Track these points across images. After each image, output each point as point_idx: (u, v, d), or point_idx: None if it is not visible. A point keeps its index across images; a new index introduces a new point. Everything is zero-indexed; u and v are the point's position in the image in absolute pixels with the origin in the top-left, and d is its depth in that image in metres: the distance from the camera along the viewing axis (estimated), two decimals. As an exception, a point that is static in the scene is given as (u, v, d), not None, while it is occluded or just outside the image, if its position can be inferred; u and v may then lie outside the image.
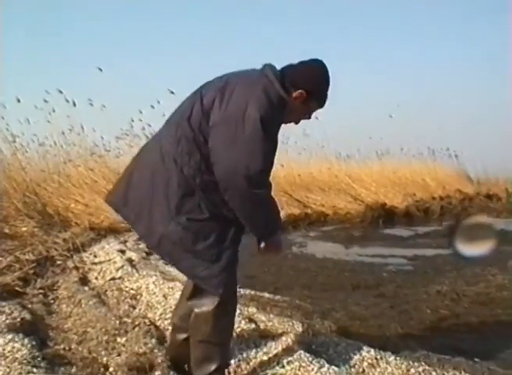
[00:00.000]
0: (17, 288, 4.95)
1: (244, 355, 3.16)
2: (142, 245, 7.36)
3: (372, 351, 3.25)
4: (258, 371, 2.96)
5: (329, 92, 2.80)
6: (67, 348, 3.44)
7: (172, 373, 2.89)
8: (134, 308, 4.48)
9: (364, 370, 3.07)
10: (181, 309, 2.92)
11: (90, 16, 37.22)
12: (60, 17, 35.86)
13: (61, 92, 10.84)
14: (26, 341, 3.24)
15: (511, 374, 3.18)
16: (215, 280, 2.53)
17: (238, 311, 3.78)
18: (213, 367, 2.65)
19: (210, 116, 2.50)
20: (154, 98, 12.28)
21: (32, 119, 11.20)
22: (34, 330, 3.71)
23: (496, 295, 5.31)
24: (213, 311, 2.59)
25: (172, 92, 11.97)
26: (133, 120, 12.57)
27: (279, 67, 2.70)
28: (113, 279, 5.46)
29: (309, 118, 2.87)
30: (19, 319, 3.77)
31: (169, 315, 3.80)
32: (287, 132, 15.77)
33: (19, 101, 10.45)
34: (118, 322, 3.79)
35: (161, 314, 4.06)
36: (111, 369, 2.96)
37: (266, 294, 5.17)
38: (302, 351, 3.05)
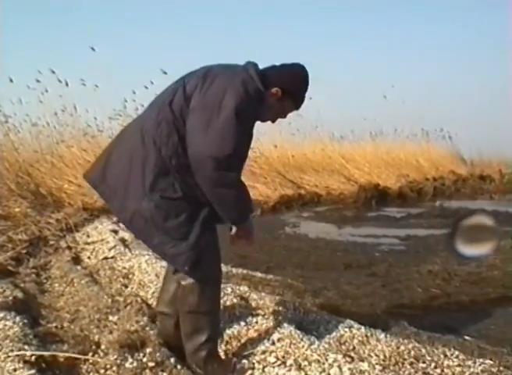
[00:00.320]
0: (10, 268, 4.95)
1: (235, 332, 3.17)
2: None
3: (363, 328, 3.26)
4: (249, 348, 2.96)
5: (307, 94, 2.92)
6: (59, 326, 3.45)
7: (163, 349, 2.90)
8: (126, 286, 4.49)
9: (354, 347, 3.08)
10: (166, 293, 2.97)
11: (82, -5, 36.97)
12: (52, -3, 35.60)
13: (53, 72, 10.81)
14: (17, 319, 3.24)
15: (500, 351, 3.20)
16: (182, 258, 2.58)
17: (230, 289, 3.82)
18: (203, 338, 2.69)
19: (190, 101, 2.59)
20: (147, 79, 12.25)
21: (24, 100, 11.17)
22: (26, 308, 3.72)
23: (486, 275, 5.34)
24: (198, 281, 2.64)
25: (165, 72, 11.95)
26: (126, 101, 12.52)
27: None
28: (106, 258, 5.47)
29: (284, 117, 2.98)
30: (11, 298, 3.77)
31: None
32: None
33: (11, 81, 10.40)
34: (110, 300, 3.80)
35: (153, 292, 4.06)
36: (102, 347, 2.96)
37: (258, 274, 5.19)
38: (292, 329, 3.06)
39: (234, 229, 2.73)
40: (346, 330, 3.27)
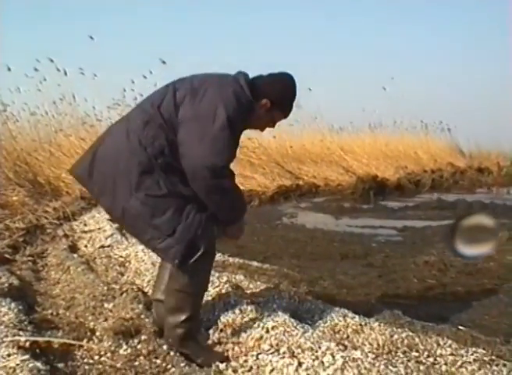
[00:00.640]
0: (6, 255, 4.95)
1: (230, 320, 3.18)
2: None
3: (357, 317, 3.27)
4: (243, 335, 2.98)
5: (294, 103, 3.04)
6: (55, 313, 3.46)
7: (157, 337, 2.92)
8: (122, 275, 4.50)
9: (348, 336, 3.10)
10: (162, 281, 3.04)
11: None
12: (52, -15, 35.44)
13: (52, 61, 10.76)
14: (13, 305, 3.25)
15: (493, 341, 3.21)
16: (172, 251, 2.66)
17: (225, 278, 3.82)
18: (184, 316, 2.79)
19: (179, 109, 2.68)
20: (146, 68, 12.23)
21: (23, 88, 11.13)
22: (22, 295, 3.72)
23: (482, 266, 5.35)
24: (192, 264, 2.69)
25: (164, 62, 11.93)
26: (125, 90, 12.50)
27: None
28: (102, 247, 5.47)
29: (273, 126, 3.10)
30: (6, 285, 3.77)
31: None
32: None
33: (9, 69, 10.36)
34: (106, 288, 3.81)
35: (149, 281, 4.07)
36: (97, 334, 2.97)
37: (255, 263, 5.19)
38: (287, 317, 3.07)
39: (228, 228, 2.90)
40: (341, 318, 3.28)
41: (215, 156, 2.55)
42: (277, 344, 2.80)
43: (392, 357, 2.77)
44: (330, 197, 13.13)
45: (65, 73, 10.96)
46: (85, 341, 2.89)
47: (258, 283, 4.00)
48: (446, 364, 2.73)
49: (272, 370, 2.58)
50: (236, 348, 2.88)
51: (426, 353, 2.85)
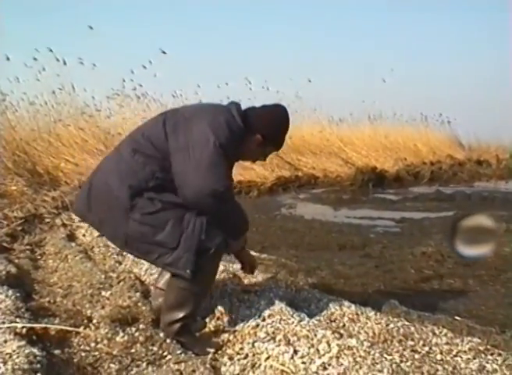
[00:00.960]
0: (4, 244, 4.96)
1: (227, 308, 3.20)
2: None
3: (353, 306, 3.28)
4: (240, 323, 2.99)
5: (287, 136, 3.09)
6: (52, 301, 3.46)
7: (154, 325, 2.94)
8: (120, 263, 4.50)
9: (344, 325, 3.11)
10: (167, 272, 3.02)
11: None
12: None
13: (51, 51, 10.75)
14: (10, 292, 3.25)
15: (489, 330, 3.22)
16: (182, 262, 2.64)
17: (222, 267, 3.82)
18: (182, 314, 2.78)
19: (171, 138, 2.70)
20: (145, 58, 12.24)
21: (22, 78, 11.12)
22: (20, 283, 3.73)
23: (479, 257, 5.35)
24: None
25: (164, 52, 11.94)
26: (124, 80, 12.53)
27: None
28: (101, 236, 5.46)
29: (264, 159, 3.19)
30: (4, 273, 3.78)
31: (155, 270, 3.82)
32: (279, 95, 15.80)
33: (8, 59, 10.34)
34: (103, 276, 3.82)
35: (146, 269, 4.08)
36: (94, 321, 2.98)
37: (252, 253, 5.19)
38: (283, 306, 3.08)
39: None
40: (337, 307, 3.29)
41: (215, 183, 2.58)
42: (273, 332, 2.82)
43: (388, 346, 2.79)
44: (329, 188, 13.14)
45: (65, 63, 10.97)
46: (82, 328, 2.89)
47: (256, 272, 4.00)
48: (441, 353, 2.74)
49: (267, 358, 2.60)
50: (233, 336, 2.90)
51: (421, 342, 2.86)
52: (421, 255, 5.53)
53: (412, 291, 4.44)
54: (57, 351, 2.57)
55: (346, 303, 3.36)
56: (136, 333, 2.83)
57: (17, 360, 2.23)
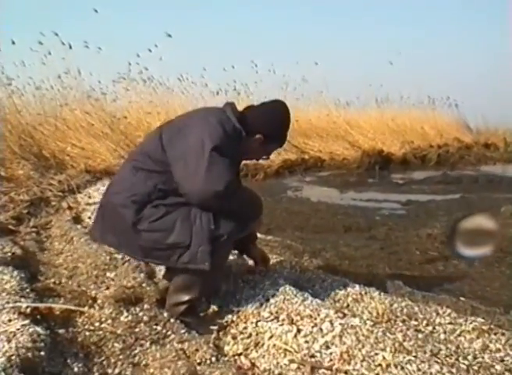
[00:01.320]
0: (10, 227, 4.98)
1: (231, 289, 3.21)
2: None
3: (358, 287, 3.29)
4: (243, 304, 3.00)
5: (289, 132, 3.06)
6: (57, 282, 3.47)
7: (159, 305, 2.95)
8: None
9: (348, 305, 3.12)
10: None
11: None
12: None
13: (56, 34, 10.70)
14: (15, 273, 3.26)
15: (493, 311, 3.23)
16: (199, 256, 2.65)
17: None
18: (188, 297, 2.80)
19: (168, 150, 2.72)
20: (151, 42, 12.20)
21: (27, 62, 11.10)
22: (25, 265, 3.74)
23: (486, 239, 5.33)
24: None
25: (170, 35, 11.89)
26: (130, 64, 12.49)
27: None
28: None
29: (267, 158, 3.18)
30: (9, 254, 3.80)
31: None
32: (286, 78, 15.75)
33: (13, 43, 10.30)
34: (108, 257, 3.82)
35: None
36: (99, 301, 2.98)
37: (258, 235, 5.19)
38: (287, 286, 3.09)
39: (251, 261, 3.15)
40: (341, 288, 3.30)
41: (214, 184, 2.57)
42: (276, 312, 2.83)
43: (391, 325, 2.80)
44: (335, 171, 13.13)
45: (70, 47, 10.91)
46: (86, 308, 2.90)
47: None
48: (444, 332, 2.76)
49: (270, 337, 2.61)
50: (236, 316, 2.90)
51: (425, 322, 2.88)
52: (427, 237, 5.51)
53: (417, 272, 4.44)
54: (61, 331, 2.58)
55: (351, 283, 3.37)
56: (141, 313, 2.83)
57: (21, 338, 2.24)
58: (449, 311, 2.99)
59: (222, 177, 2.59)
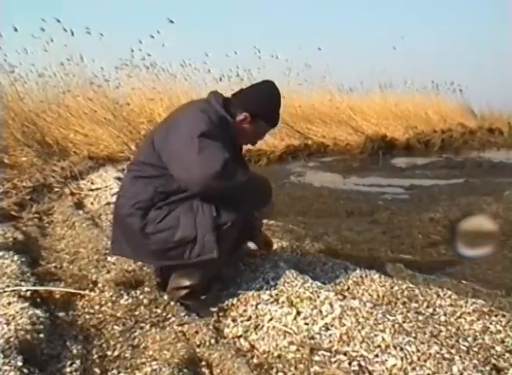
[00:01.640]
0: (13, 212, 4.99)
1: (232, 273, 3.20)
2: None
3: (358, 269, 3.29)
4: (243, 286, 3.00)
5: (280, 111, 3.00)
6: (58, 266, 3.48)
7: (159, 289, 2.95)
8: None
9: (348, 287, 3.12)
10: None
11: None
12: None
13: (58, 21, 10.67)
14: (16, 257, 3.27)
15: (494, 293, 3.23)
16: (207, 246, 2.64)
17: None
18: (188, 283, 2.80)
19: (162, 151, 2.73)
20: (153, 28, 12.17)
21: (30, 49, 11.08)
22: (27, 250, 3.75)
23: (488, 222, 5.33)
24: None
25: (172, 21, 11.84)
26: (132, 50, 12.46)
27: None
28: (108, 204, 5.48)
29: (261, 138, 3.15)
30: (11, 239, 3.81)
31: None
32: (289, 63, 15.71)
33: (16, 30, 10.27)
34: (109, 242, 3.82)
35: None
36: (99, 285, 3.00)
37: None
38: (288, 269, 3.09)
39: (253, 245, 3.00)
40: (342, 270, 3.31)
41: (211, 165, 2.53)
42: (276, 295, 2.83)
43: (392, 307, 2.80)
44: (339, 156, 13.11)
45: (72, 34, 10.88)
46: (86, 291, 2.91)
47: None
48: (444, 314, 2.76)
49: (270, 319, 2.61)
50: (236, 299, 2.90)
51: (426, 304, 2.88)
52: (429, 221, 5.51)
53: (419, 255, 4.44)
54: (61, 314, 2.59)
55: (352, 266, 3.37)
56: (141, 296, 2.84)
57: (20, 321, 2.25)
58: (449, 293, 2.98)
59: (216, 157, 2.54)
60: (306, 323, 2.53)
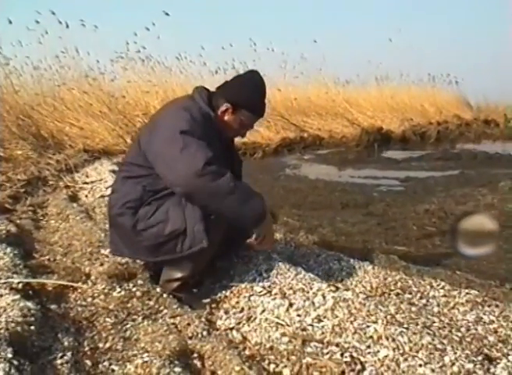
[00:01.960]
0: (7, 205, 4.97)
1: (225, 265, 3.20)
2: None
3: (352, 261, 3.30)
4: (237, 279, 3.00)
5: (264, 100, 2.94)
6: (51, 259, 3.47)
7: (152, 281, 2.95)
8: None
9: (342, 279, 3.12)
10: None
11: None
12: None
13: (53, 13, 10.64)
14: (8, 250, 3.26)
15: (488, 284, 3.23)
16: (197, 237, 2.63)
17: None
18: (180, 275, 2.82)
19: (147, 152, 2.74)
20: (148, 20, 12.14)
21: (24, 42, 11.06)
22: (20, 242, 3.73)
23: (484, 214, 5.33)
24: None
25: (167, 14, 11.82)
26: (127, 43, 12.44)
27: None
28: (102, 196, 5.47)
29: (250, 128, 3.05)
30: (4, 232, 3.79)
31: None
32: (284, 56, 15.70)
33: (10, 22, 10.25)
34: (103, 235, 3.81)
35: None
36: (92, 277, 2.99)
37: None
38: (281, 261, 3.08)
39: (254, 236, 2.78)
40: (335, 262, 3.31)
41: (193, 163, 2.49)
42: (269, 286, 2.82)
43: (385, 299, 2.81)
44: (334, 149, 13.09)
45: (67, 26, 10.85)
46: (79, 283, 2.90)
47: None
48: (438, 305, 2.76)
49: (263, 311, 2.61)
50: (229, 292, 2.90)
51: (419, 295, 2.88)
52: (424, 213, 5.52)
53: (413, 247, 4.43)
54: (53, 306, 2.58)
55: (345, 258, 3.37)
56: (134, 289, 2.83)
57: (11, 313, 2.24)
58: (443, 284, 2.99)
59: (198, 155, 2.51)
60: (298, 315, 2.52)
